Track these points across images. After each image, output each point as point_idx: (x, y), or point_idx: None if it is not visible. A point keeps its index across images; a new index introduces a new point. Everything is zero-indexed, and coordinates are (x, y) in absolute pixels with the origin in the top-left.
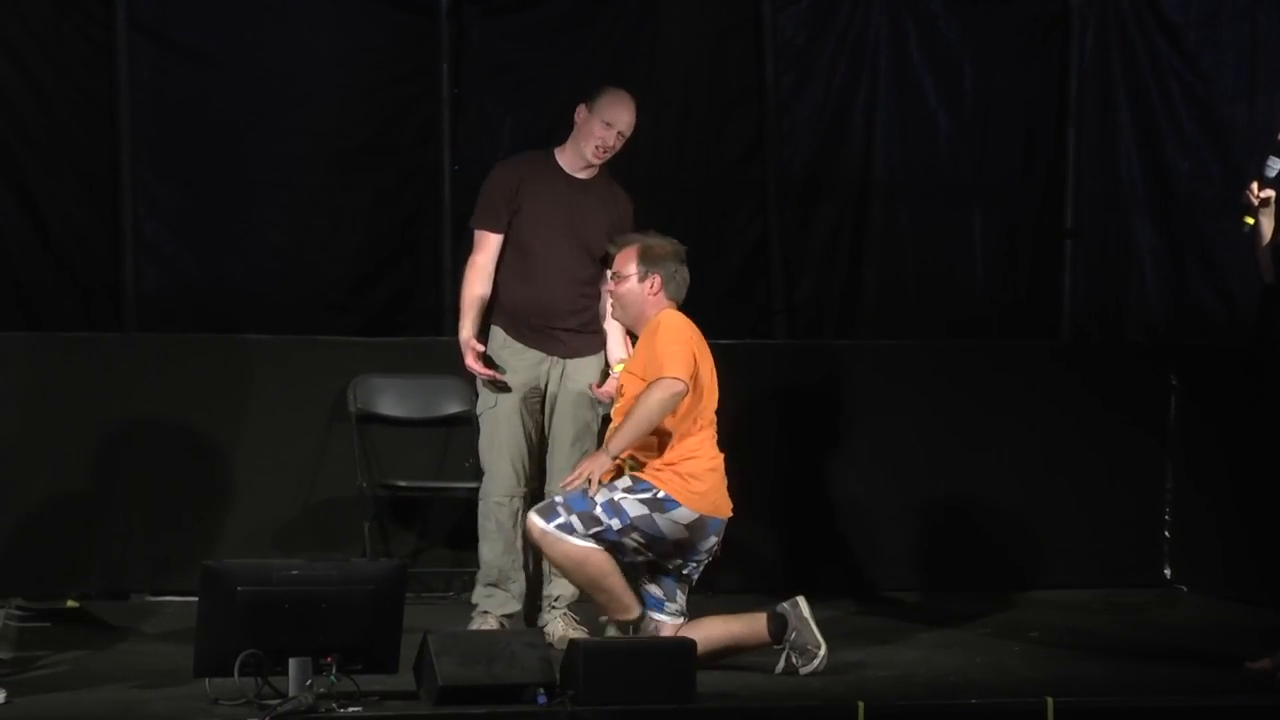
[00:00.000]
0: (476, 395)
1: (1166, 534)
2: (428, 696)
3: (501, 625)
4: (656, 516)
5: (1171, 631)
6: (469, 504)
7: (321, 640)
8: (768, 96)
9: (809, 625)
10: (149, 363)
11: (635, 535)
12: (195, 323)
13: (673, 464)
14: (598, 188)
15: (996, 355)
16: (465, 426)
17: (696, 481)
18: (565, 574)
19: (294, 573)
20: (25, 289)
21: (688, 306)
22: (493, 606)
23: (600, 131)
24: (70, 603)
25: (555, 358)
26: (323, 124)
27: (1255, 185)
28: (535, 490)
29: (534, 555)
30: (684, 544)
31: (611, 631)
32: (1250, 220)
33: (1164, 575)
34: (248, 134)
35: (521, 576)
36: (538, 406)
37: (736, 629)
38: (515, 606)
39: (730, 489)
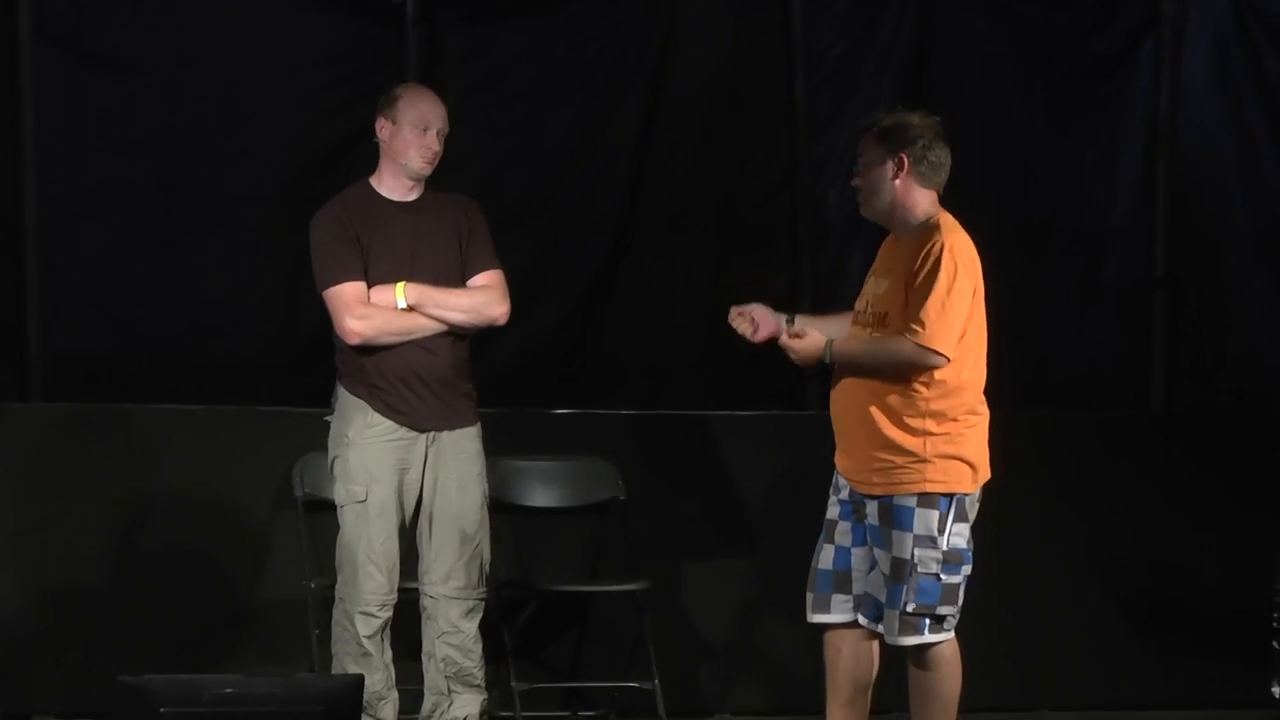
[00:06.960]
0: (333, 479)
1: (1276, 644)
2: None
3: None
4: (967, 524)
5: None
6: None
7: None
8: (799, 117)
9: None
10: (55, 437)
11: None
12: (111, 390)
13: (948, 433)
14: (431, 205)
15: (1074, 428)
16: None
17: (974, 453)
18: (939, 695)
19: (229, 690)
20: None
21: (709, 375)
22: None
23: (417, 140)
24: None
25: (430, 432)
26: (269, 149)
27: None
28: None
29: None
30: None
31: None
32: None
33: (1273, 695)
34: (179, 160)
35: (395, 695)
36: (413, 494)
37: None
38: None
39: (754, 583)
